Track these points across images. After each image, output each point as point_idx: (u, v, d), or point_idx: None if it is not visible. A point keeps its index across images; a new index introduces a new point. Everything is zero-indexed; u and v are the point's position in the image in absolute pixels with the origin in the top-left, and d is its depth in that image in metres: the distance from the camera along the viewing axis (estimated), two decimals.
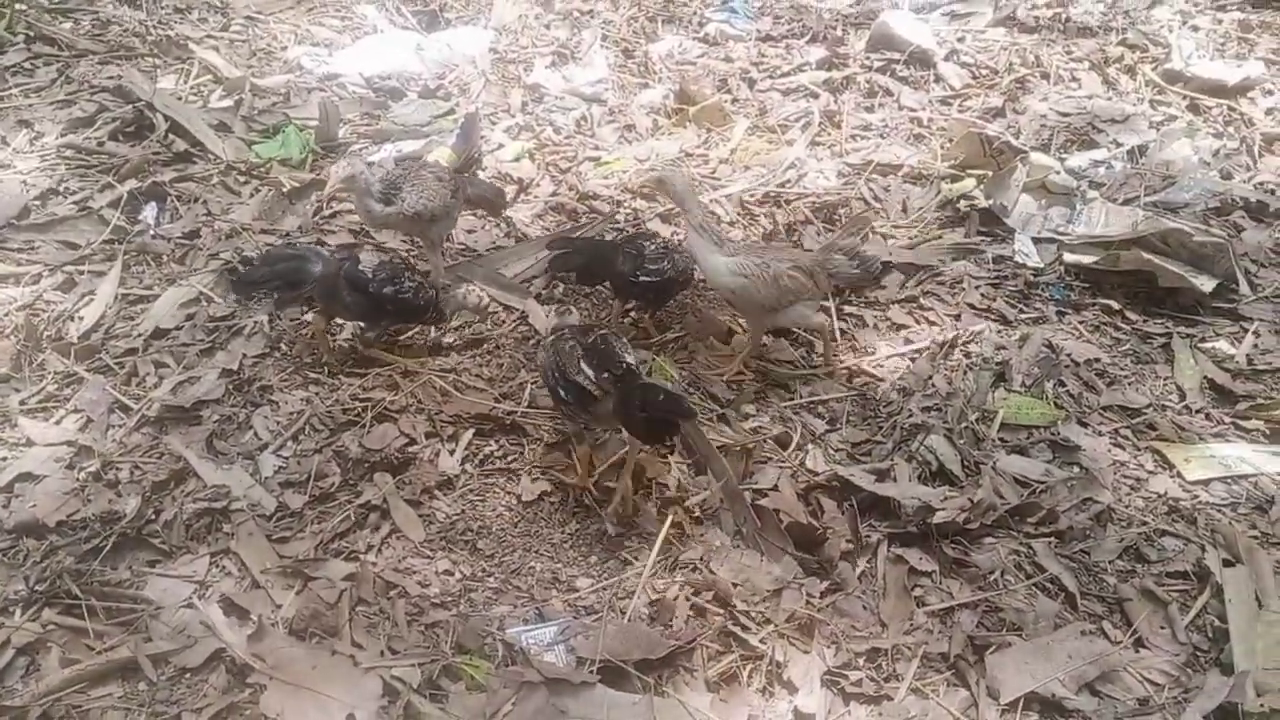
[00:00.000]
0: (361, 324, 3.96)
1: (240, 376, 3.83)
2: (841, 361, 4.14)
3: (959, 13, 7.28)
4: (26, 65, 5.87)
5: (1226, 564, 3.20)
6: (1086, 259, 4.62)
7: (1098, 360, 4.15)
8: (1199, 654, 2.99)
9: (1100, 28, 6.97)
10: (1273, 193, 5.13)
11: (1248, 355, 4.20)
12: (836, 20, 7.21)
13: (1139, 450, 3.75)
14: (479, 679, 2.79)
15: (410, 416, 3.67)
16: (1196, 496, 3.55)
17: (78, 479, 3.40)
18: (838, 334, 4.28)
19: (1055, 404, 3.88)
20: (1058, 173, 5.14)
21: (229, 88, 5.83)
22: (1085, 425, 3.82)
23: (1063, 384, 3.99)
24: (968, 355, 4.16)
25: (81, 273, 4.40)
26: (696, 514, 3.38)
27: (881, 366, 4.14)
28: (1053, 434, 3.75)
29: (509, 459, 3.60)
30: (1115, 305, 4.47)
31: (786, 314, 3.88)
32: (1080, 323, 4.39)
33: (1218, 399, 4.02)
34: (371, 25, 6.98)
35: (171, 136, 5.26)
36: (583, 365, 3.20)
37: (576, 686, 2.71)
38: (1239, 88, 6.07)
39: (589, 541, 3.31)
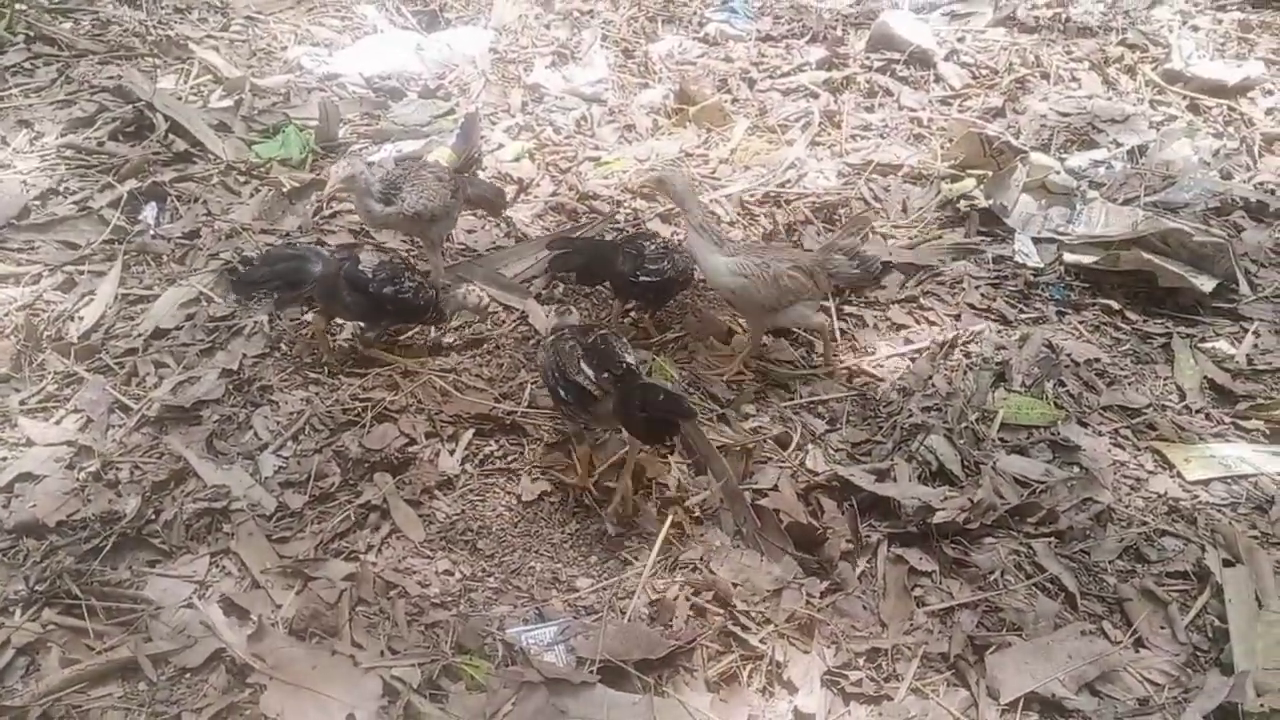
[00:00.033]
0: (361, 324, 3.96)
1: (240, 376, 3.83)
2: (841, 361, 4.14)
3: (959, 13, 7.28)
4: (26, 65, 5.88)
5: (1226, 564, 3.20)
6: (1086, 259, 4.62)
7: (1098, 360, 4.15)
8: (1199, 654, 2.99)
9: (1100, 28, 6.97)
10: (1273, 193, 5.13)
11: (1248, 355, 4.20)
12: (836, 20, 7.21)
13: (1139, 450, 3.75)
14: (479, 679, 2.80)
15: (410, 416, 3.67)
16: (1196, 496, 3.55)
17: (78, 479, 3.40)
18: (838, 334, 4.28)
19: (1055, 404, 3.88)
20: (1058, 173, 5.14)
21: (229, 88, 5.83)
22: (1085, 425, 3.82)
23: (1063, 384, 3.99)
24: (968, 355, 4.16)
25: (81, 273, 4.40)
26: (696, 514, 3.38)
27: (881, 366, 4.14)
28: (1053, 434, 3.75)
29: (509, 459, 3.60)
30: (1115, 305, 4.48)
31: (786, 314, 3.88)
32: (1080, 323, 4.39)
33: (1218, 399, 4.02)
34: (371, 25, 6.98)
35: (171, 136, 5.26)
36: (583, 365, 3.20)
37: (576, 686, 2.71)
38: (1239, 88, 6.07)
39: (589, 541, 3.31)
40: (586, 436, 3.43)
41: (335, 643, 2.87)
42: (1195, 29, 6.92)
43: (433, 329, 4.15)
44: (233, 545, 3.19)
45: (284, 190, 4.96)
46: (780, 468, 3.55)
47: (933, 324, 4.38)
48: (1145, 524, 3.42)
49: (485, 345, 4.13)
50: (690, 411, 3.18)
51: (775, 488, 3.44)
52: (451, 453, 3.56)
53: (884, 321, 4.40)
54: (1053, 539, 3.34)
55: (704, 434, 3.59)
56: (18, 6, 6.24)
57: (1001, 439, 3.74)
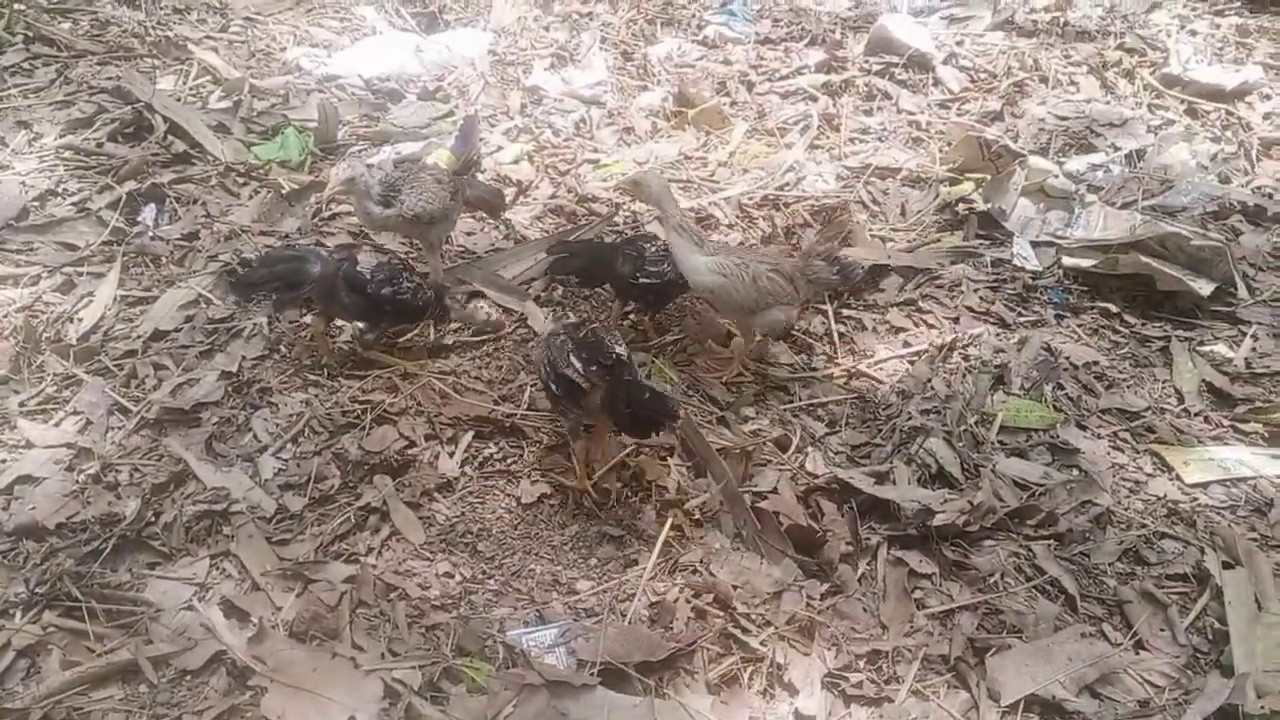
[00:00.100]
0: (361, 325, 3.96)
1: (239, 378, 3.83)
2: (838, 363, 4.15)
3: (957, 16, 7.30)
4: (25, 66, 5.87)
5: (1226, 566, 3.20)
6: (1085, 262, 4.63)
7: (1096, 363, 4.16)
8: (1199, 656, 2.99)
9: (1098, 32, 6.99)
10: (1270, 196, 5.15)
11: (1246, 358, 4.21)
12: (835, 23, 7.23)
13: (1138, 453, 3.76)
14: (480, 681, 2.79)
15: (410, 419, 3.67)
16: (1196, 499, 3.55)
17: (77, 481, 3.40)
18: (836, 337, 4.29)
19: (1054, 407, 3.89)
20: (1056, 176, 5.15)
21: (228, 89, 5.83)
22: (1084, 428, 3.83)
23: (1061, 387, 4.00)
24: (966, 358, 4.16)
25: (80, 274, 4.40)
26: (696, 517, 3.38)
27: (881, 369, 4.15)
28: (1052, 437, 3.75)
29: (508, 461, 3.60)
30: (1114, 308, 4.48)
31: (763, 316, 3.87)
32: (1079, 326, 4.40)
33: (1216, 402, 4.03)
34: (370, 27, 6.98)
35: (170, 138, 5.26)
36: (572, 359, 3.22)
37: (577, 689, 2.71)
38: (1237, 92, 6.09)
39: (589, 544, 3.31)
40: (582, 434, 3.43)
41: (336, 645, 2.87)
42: (1193, 33, 6.95)
43: (433, 330, 4.15)
44: (233, 547, 3.19)
45: (283, 192, 4.96)
46: (780, 470, 3.55)
47: (931, 327, 4.38)
48: (1145, 526, 3.42)
49: (485, 348, 4.13)
50: (674, 413, 3.19)
51: (775, 490, 3.44)
52: (451, 455, 3.56)
53: (883, 324, 4.40)
54: (1052, 541, 3.34)
55: (703, 437, 3.59)
56: (16, 7, 6.23)
57: (1001, 442, 3.75)
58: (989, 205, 4.96)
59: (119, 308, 4.22)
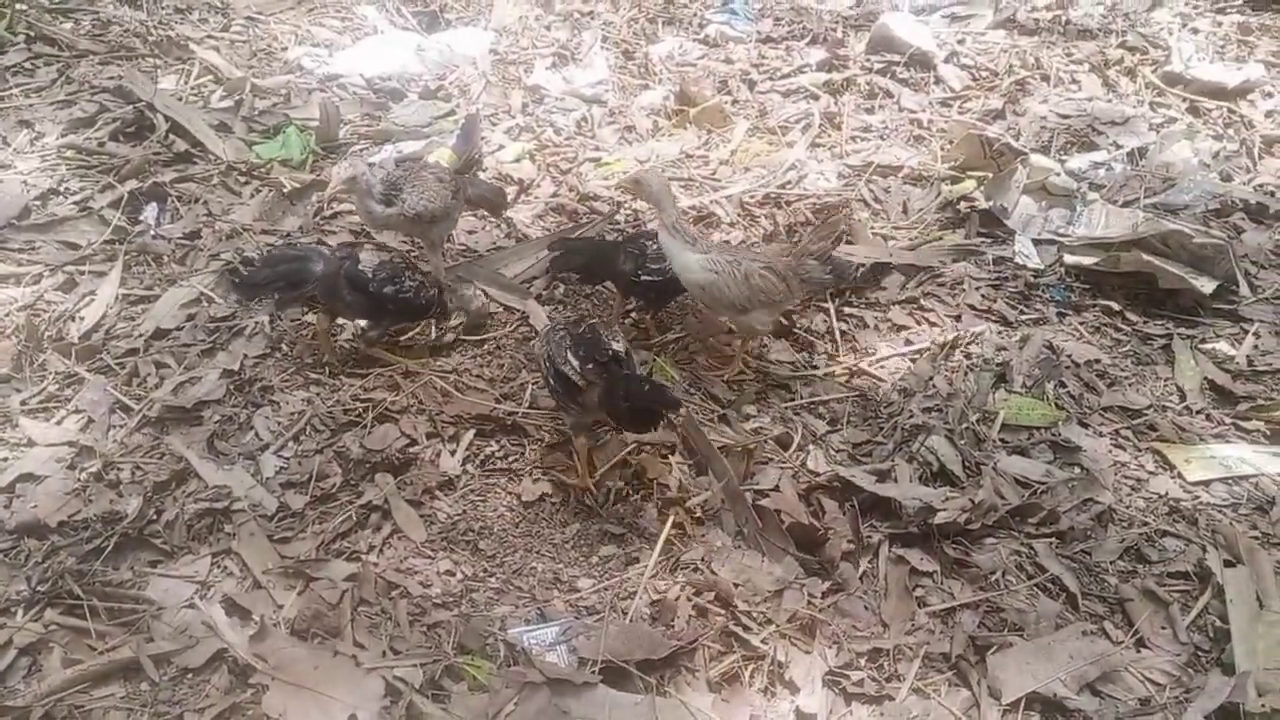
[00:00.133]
0: (363, 324, 3.96)
1: (241, 377, 3.83)
2: (840, 361, 4.15)
3: (959, 15, 7.30)
4: (27, 65, 5.88)
5: (1227, 564, 3.20)
6: (1087, 260, 4.62)
7: (1098, 361, 4.15)
8: (1200, 654, 2.99)
9: (1100, 30, 6.99)
10: (1272, 194, 5.14)
11: (1248, 356, 4.20)
12: (837, 22, 7.22)
13: (1140, 451, 3.76)
14: (481, 679, 2.80)
15: (411, 417, 3.67)
16: (1197, 497, 3.55)
17: (79, 479, 3.40)
18: (838, 335, 4.29)
19: (1056, 405, 3.89)
20: (1058, 174, 5.15)
21: (229, 88, 5.83)
22: (1086, 426, 3.83)
23: (1063, 385, 4.00)
24: (968, 356, 4.16)
25: (82, 273, 4.40)
26: (698, 514, 3.38)
27: (882, 367, 4.15)
28: (1053, 435, 3.75)
29: (510, 459, 3.60)
30: (1115, 306, 4.48)
31: (753, 315, 3.87)
32: (1081, 324, 4.40)
33: (1218, 400, 4.02)
34: (372, 26, 6.98)
35: (172, 137, 5.27)
36: (569, 356, 3.22)
37: (578, 687, 2.71)
38: (1239, 90, 6.08)
39: (590, 542, 3.32)
40: (582, 430, 3.43)
41: (337, 643, 2.87)
42: (1195, 31, 6.94)
43: (434, 328, 4.15)
44: (234, 545, 3.19)
45: (284, 191, 4.96)
46: (781, 468, 3.55)
47: (933, 325, 4.38)
48: (1146, 524, 3.42)
49: (486, 346, 4.13)
50: (675, 401, 3.19)
51: (776, 488, 3.44)
52: (453, 453, 3.56)
53: (885, 322, 4.40)
54: (1054, 539, 3.34)
55: (705, 435, 3.59)
56: (18, 6, 6.24)
57: (1002, 440, 3.74)
58: (991, 203, 4.96)
59: (121, 306, 4.23)
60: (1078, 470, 3.61)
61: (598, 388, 3.19)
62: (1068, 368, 4.09)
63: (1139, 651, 2.99)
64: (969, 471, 3.56)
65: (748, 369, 4.06)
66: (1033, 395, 3.93)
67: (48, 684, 2.74)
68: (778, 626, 2.99)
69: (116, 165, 5.00)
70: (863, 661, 2.93)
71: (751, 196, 5.19)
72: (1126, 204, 5.01)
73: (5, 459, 3.48)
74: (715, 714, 2.74)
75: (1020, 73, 6.38)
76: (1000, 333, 4.30)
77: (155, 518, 3.27)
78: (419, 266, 4.02)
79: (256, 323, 4.08)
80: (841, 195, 5.19)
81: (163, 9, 6.78)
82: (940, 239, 4.92)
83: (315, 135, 5.45)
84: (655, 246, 4.03)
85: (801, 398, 3.96)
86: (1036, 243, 4.85)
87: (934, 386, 3.97)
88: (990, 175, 5.13)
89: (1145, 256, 4.45)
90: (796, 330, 4.31)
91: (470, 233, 4.92)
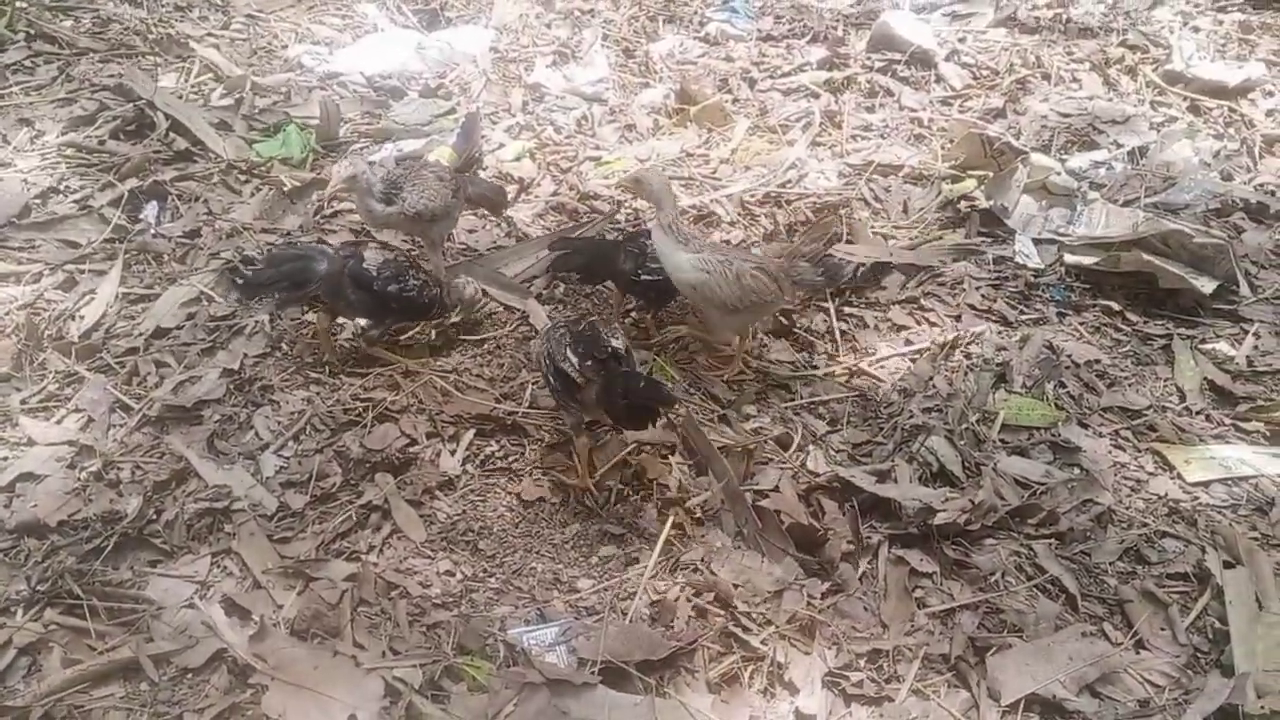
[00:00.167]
0: (364, 322, 3.96)
1: (241, 376, 3.83)
2: (840, 361, 4.15)
3: (960, 13, 7.28)
4: (27, 63, 5.87)
5: (1227, 566, 3.20)
6: (1087, 260, 4.62)
7: (1098, 361, 4.15)
8: (1199, 656, 2.99)
9: (1101, 29, 6.97)
10: (1273, 194, 5.13)
11: (1248, 357, 4.20)
12: (837, 20, 7.21)
13: (1139, 452, 3.76)
14: (481, 680, 2.80)
15: (411, 417, 3.67)
16: (1197, 498, 3.55)
17: (79, 479, 3.40)
18: (838, 335, 4.29)
19: (1056, 405, 3.89)
20: (1058, 174, 5.14)
21: (230, 86, 5.83)
22: (1086, 426, 3.83)
23: (1063, 385, 4.00)
24: (968, 356, 4.16)
25: (82, 272, 4.40)
26: (698, 515, 3.38)
27: (882, 367, 4.15)
28: (1053, 435, 3.75)
29: (510, 459, 3.60)
30: (1116, 306, 4.48)
31: (742, 316, 3.86)
32: (1081, 324, 4.40)
33: (1218, 400, 4.02)
34: (372, 24, 6.97)
35: (172, 135, 5.26)
36: (568, 353, 3.22)
37: (578, 687, 2.72)
38: (1239, 89, 6.07)
39: (590, 542, 3.32)
40: (583, 429, 3.43)
41: (337, 643, 2.87)
42: (1196, 30, 6.92)
43: (433, 328, 4.15)
44: (234, 545, 3.19)
45: (285, 189, 4.96)
46: (781, 469, 3.55)
47: (933, 325, 4.38)
48: (1146, 525, 3.42)
49: (486, 345, 4.13)
50: (670, 398, 3.19)
51: (776, 489, 3.43)
52: (453, 453, 3.56)
53: (884, 322, 4.40)
54: (1053, 540, 3.34)
55: (705, 435, 3.59)
56: (18, 4, 6.23)
57: (1002, 440, 3.74)
58: (991, 202, 4.95)
59: (121, 305, 4.23)
60: (1077, 471, 3.61)
61: (596, 384, 3.19)
62: (1068, 368, 4.09)
63: (1138, 653, 2.99)
64: (969, 472, 3.56)
65: (748, 369, 4.06)
66: (1033, 395, 3.93)
67: (47, 684, 2.74)
68: (777, 627, 2.99)
69: (117, 163, 4.99)
70: (862, 662, 2.93)
71: (752, 195, 5.19)
72: (1127, 203, 5.00)
73: (5, 458, 3.49)
74: (715, 715, 2.74)
75: (1021, 71, 6.37)
76: (1000, 333, 4.30)
77: (155, 517, 3.28)
78: (421, 265, 4.02)
79: (256, 322, 4.08)
80: (842, 194, 5.18)
81: (163, 7, 6.77)
82: (940, 238, 4.92)
83: (315, 133, 5.44)
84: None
85: (801, 398, 3.96)
86: (1037, 242, 4.85)
87: (934, 387, 3.97)
88: (991, 174, 5.13)
89: (1145, 256, 4.44)
90: (796, 330, 4.31)
91: (470, 231, 4.92)
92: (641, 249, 4.03)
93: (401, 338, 4.15)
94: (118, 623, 2.96)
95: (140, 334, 4.05)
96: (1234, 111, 5.96)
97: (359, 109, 5.89)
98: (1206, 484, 3.60)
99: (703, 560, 3.19)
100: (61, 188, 4.87)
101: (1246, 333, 4.33)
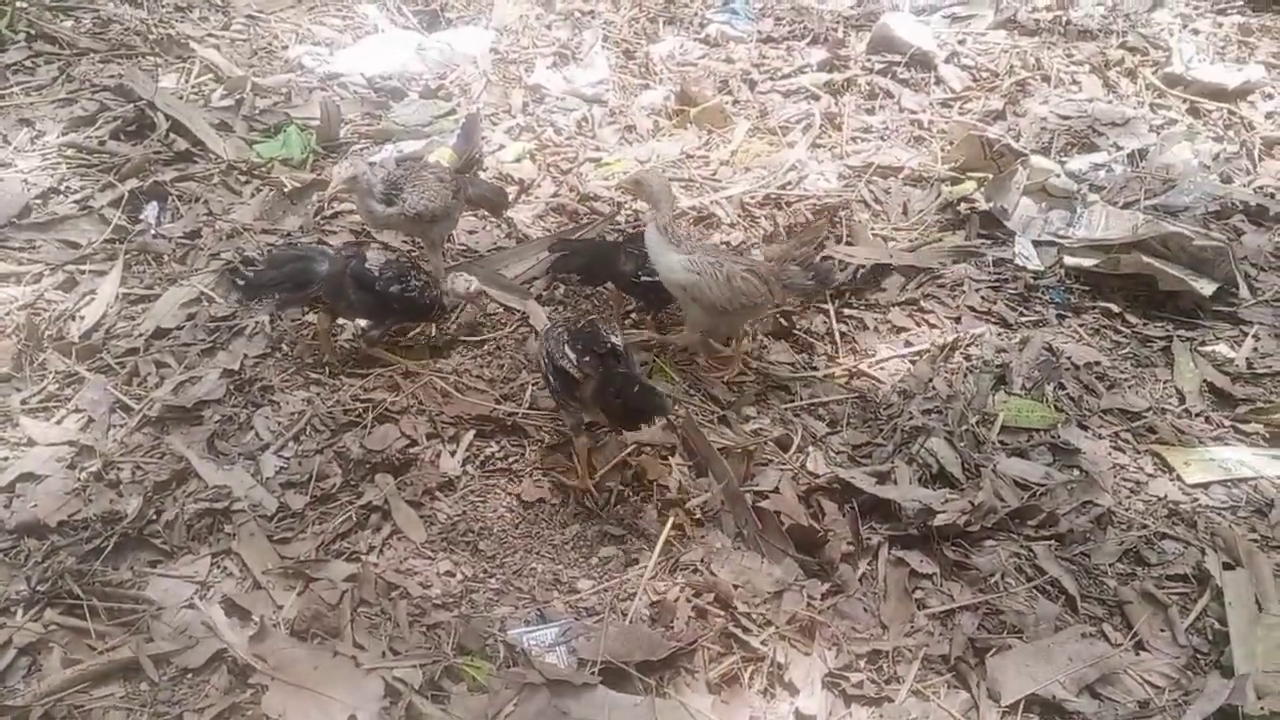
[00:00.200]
0: (365, 323, 3.96)
1: (241, 377, 3.83)
2: (840, 363, 4.15)
3: (960, 15, 7.29)
4: (27, 64, 5.88)
5: (1226, 567, 3.20)
6: (1087, 262, 4.62)
7: (1098, 363, 4.15)
8: (1199, 657, 2.99)
9: (1101, 31, 6.99)
10: (1273, 196, 5.14)
11: (1247, 359, 4.21)
12: (837, 22, 7.22)
13: (1139, 453, 3.76)
14: (481, 680, 2.80)
15: (411, 417, 3.67)
16: (1196, 500, 3.56)
17: (79, 479, 3.40)
18: (838, 336, 4.29)
19: (1055, 407, 3.89)
20: (1058, 176, 5.15)
21: (230, 87, 5.83)
22: (1085, 428, 3.83)
23: (1063, 387, 4.00)
24: (968, 358, 4.16)
25: (83, 272, 4.40)
26: (697, 516, 3.38)
27: (882, 369, 4.15)
28: (1053, 437, 3.75)
29: (510, 460, 3.60)
30: (1115, 308, 4.48)
31: (732, 317, 3.86)
32: (1080, 326, 4.40)
33: (1217, 402, 4.03)
34: (373, 25, 6.98)
35: (173, 136, 5.27)
36: (566, 350, 3.22)
37: (578, 688, 2.72)
38: (1239, 91, 6.08)
39: (590, 543, 3.32)
40: (583, 430, 3.42)
41: (337, 644, 2.87)
42: (1196, 32, 6.94)
43: (434, 328, 4.15)
44: (234, 546, 3.19)
45: (285, 190, 4.96)
46: (781, 470, 3.55)
47: (933, 327, 4.38)
48: (1145, 527, 3.42)
49: (486, 346, 4.13)
50: (662, 409, 3.19)
51: (776, 490, 3.44)
52: (453, 454, 3.56)
53: (884, 324, 4.40)
54: (1053, 541, 3.34)
55: (705, 436, 3.59)
56: (19, 4, 6.24)
57: (1002, 442, 3.75)
58: (991, 204, 4.96)
59: (121, 305, 4.23)
60: (1077, 472, 3.62)
61: (593, 381, 3.19)
62: (1067, 370, 4.09)
63: (1138, 654, 2.99)
64: (968, 473, 3.56)
65: (747, 370, 4.07)
66: (1032, 397, 3.93)
67: (47, 684, 2.74)
68: (777, 628, 2.99)
69: (117, 164, 5.00)
70: (862, 663, 2.93)
71: (752, 197, 5.19)
72: (1126, 206, 5.01)
73: (5, 458, 3.49)
74: (714, 715, 2.74)
75: (1021, 73, 6.38)
76: (1000, 334, 4.30)
77: (155, 518, 3.28)
78: (421, 266, 4.02)
79: (257, 322, 4.08)
80: (842, 196, 5.19)
81: (163, 7, 6.78)
82: (940, 240, 4.92)
83: (316, 134, 5.45)
84: None
85: (801, 399, 3.96)
86: (1036, 244, 4.85)
87: (934, 388, 3.97)
88: (990, 176, 5.13)
89: (1145, 258, 4.45)
90: (796, 332, 4.31)
91: (471, 233, 4.92)
92: (641, 251, 4.02)
93: (402, 339, 4.15)
94: (118, 623, 2.96)
95: (140, 334, 4.05)
96: (1233, 114, 5.97)
97: (359, 110, 5.90)
98: (1206, 486, 3.60)
99: (703, 561, 3.19)
100: (62, 188, 4.88)
101: (1246, 335, 4.33)
